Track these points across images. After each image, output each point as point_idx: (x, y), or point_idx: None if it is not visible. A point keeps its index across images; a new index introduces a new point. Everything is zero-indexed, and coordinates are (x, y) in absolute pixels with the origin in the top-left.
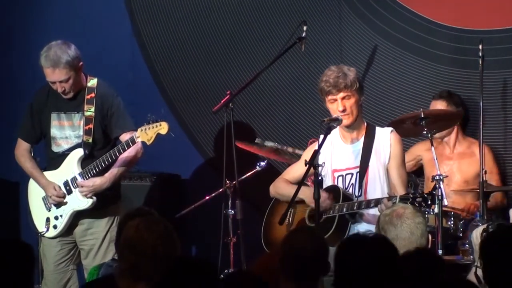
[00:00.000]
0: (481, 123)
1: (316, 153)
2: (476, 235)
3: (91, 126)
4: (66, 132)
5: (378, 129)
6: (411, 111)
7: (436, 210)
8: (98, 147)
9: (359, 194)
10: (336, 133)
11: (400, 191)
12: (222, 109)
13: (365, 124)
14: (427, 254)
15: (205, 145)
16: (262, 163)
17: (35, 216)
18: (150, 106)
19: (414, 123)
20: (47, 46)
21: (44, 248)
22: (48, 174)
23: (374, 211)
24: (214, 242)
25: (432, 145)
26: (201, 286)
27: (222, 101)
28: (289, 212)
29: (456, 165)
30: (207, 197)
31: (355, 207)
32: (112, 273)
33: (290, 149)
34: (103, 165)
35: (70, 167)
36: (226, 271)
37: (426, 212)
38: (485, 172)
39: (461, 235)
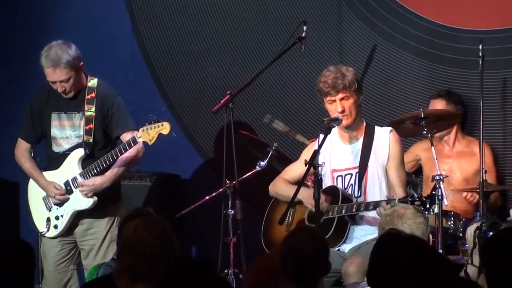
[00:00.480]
0: (481, 123)
1: (316, 153)
2: (470, 232)
3: (91, 126)
4: (67, 132)
5: (377, 129)
6: (411, 111)
7: (436, 210)
8: (99, 147)
9: (359, 194)
10: (335, 133)
11: (398, 192)
12: (222, 109)
13: (364, 123)
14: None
15: (205, 145)
16: (262, 163)
17: (36, 216)
18: (150, 106)
19: (414, 123)
20: (47, 46)
21: (44, 248)
22: (49, 174)
23: (374, 212)
24: (214, 242)
25: (432, 145)
26: (200, 286)
27: (222, 101)
28: (288, 212)
29: (456, 163)
30: (207, 197)
31: (354, 209)
32: (111, 273)
33: (298, 136)
34: (104, 165)
35: (71, 167)
36: (226, 271)
37: (426, 212)
38: (485, 172)
39: (461, 235)
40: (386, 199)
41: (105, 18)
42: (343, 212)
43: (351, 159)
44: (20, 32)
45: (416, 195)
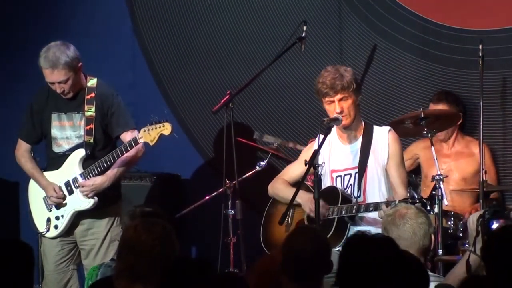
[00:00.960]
0: (481, 123)
1: (316, 153)
2: (473, 220)
3: (92, 126)
4: (67, 132)
5: (376, 128)
6: (411, 111)
7: (436, 210)
8: (99, 147)
9: (358, 195)
10: (333, 133)
11: (400, 191)
12: (222, 109)
13: (363, 123)
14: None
15: (205, 145)
16: (262, 163)
17: (36, 216)
18: (151, 106)
19: (414, 123)
20: (46, 47)
21: (44, 248)
22: (50, 175)
23: (374, 213)
24: (214, 242)
25: (432, 145)
26: (200, 286)
27: (222, 101)
28: (288, 212)
29: (454, 163)
30: (207, 197)
31: (353, 210)
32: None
33: (291, 144)
34: (105, 165)
35: (72, 167)
36: (226, 271)
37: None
38: (485, 172)
39: (461, 235)
40: (386, 200)
41: (105, 19)
42: (343, 213)
43: (350, 159)
44: (20, 32)
45: (416, 196)
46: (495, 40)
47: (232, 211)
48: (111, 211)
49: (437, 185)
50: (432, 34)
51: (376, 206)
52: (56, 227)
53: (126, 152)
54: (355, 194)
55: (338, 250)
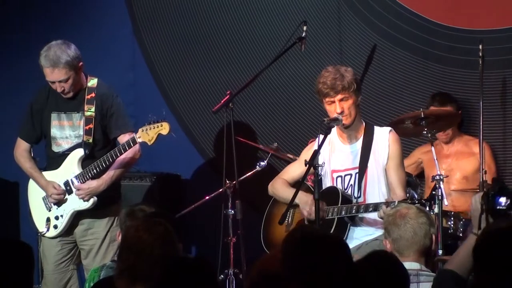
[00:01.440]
0: (481, 123)
1: (316, 153)
2: (475, 199)
3: (91, 126)
4: (66, 132)
5: (376, 129)
6: (411, 111)
7: (436, 210)
8: (99, 147)
9: (358, 195)
10: (334, 133)
11: (398, 192)
12: (222, 109)
13: (363, 124)
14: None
15: (205, 145)
16: (262, 163)
17: (36, 216)
18: (151, 106)
19: (414, 123)
20: (47, 46)
21: (44, 248)
22: (49, 174)
23: (373, 214)
24: (214, 242)
25: (432, 145)
26: (199, 285)
27: (222, 101)
28: (288, 212)
29: (455, 162)
30: (207, 197)
31: (353, 211)
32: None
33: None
34: (104, 165)
35: (71, 167)
36: (226, 271)
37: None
38: (485, 172)
39: (461, 235)
40: (385, 201)
41: (105, 18)
42: (343, 213)
43: (351, 159)
44: (20, 32)
45: (416, 197)
46: (495, 40)
47: (232, 211)
48: (111, 211)
49: (437, 185)
50: (432, 34)
51: (376, 207)
52: (55, 227)
53: (124, 152)
54: (355, 195)
55: None
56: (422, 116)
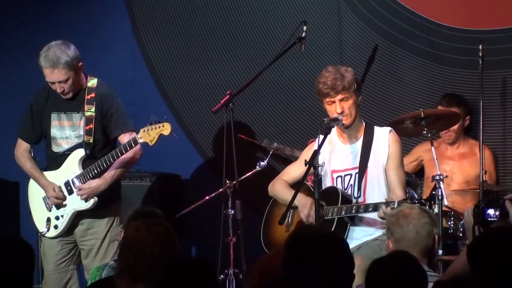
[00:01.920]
0: (481, 123)
1: (316, 153)
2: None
3: (91, 126)
4: (66, 132)
5: (376, 129)
6: (411, 111)
7: (436, 210)
8: (99, 147)
9: (358, 195)
10: (334, 133)
11: (398, 192)
12: (222, 109)
13: (364, 124)
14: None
15: (205, 145)
16: (262, 163)
17: (36, 216)
18: (150, 106)
19: (414, 123)
20: (46, 46)
21: (44, 248)
22: (49, 174)
23: (373, 214)
24: (214, 242)
25: (432, 145)
26: (199, 285)
27: (222, 101)
28: (288, 213)
29: (457, 165)
30: (207, 197)
31: (353, 211)
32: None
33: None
34: (105, 165)
35: (72, 167)
36: (226, 271)
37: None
38: (485, 172)
39: (461, 235)
40: (385, 201)
41: (105, 18)
42: (342, 214)
43: (351, 159)
44: (20, 32)
45: (416, 197)
46: (495, 40)
47: (232, 211)
48: (110, 211)
49: (437, 185)
50: (432, 34)
51: (376, 207)
52: (56, 227)
53: (125, 152)
54: (355, 195)
55: None
56: (422, 116)
